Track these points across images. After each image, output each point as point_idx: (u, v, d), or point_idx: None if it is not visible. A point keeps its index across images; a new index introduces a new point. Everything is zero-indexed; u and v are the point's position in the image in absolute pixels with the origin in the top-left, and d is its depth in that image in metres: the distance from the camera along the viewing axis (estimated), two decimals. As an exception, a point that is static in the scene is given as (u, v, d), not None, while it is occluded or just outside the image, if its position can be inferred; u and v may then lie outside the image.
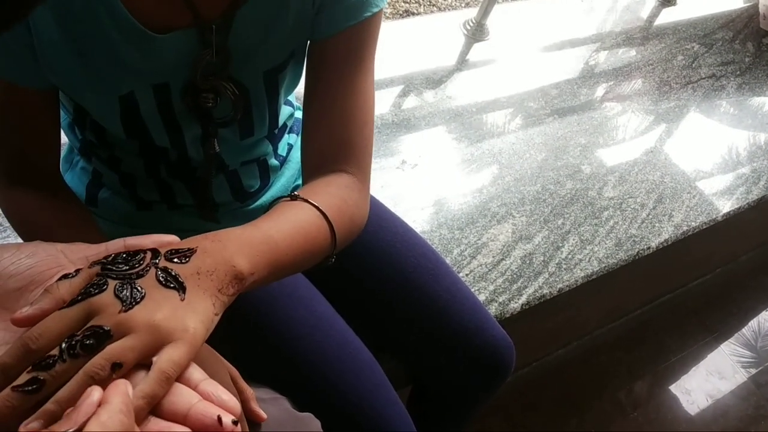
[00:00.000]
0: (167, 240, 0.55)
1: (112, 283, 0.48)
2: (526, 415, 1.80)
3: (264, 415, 0.60)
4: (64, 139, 0.92)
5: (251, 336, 0.86)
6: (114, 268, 0.50)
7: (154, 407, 0.44)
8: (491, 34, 2.01)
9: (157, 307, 0.47)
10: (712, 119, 1.99)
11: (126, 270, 0.50)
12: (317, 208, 0.68)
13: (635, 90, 2.00)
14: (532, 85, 1.92)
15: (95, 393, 0.41)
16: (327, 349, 0.86)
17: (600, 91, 1.97)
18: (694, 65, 2.17)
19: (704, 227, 1.60)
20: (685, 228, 1.57)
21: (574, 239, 1.46)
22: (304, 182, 0.78)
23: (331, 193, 0.72)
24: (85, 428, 0.37)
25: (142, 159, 0.82)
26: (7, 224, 1.18)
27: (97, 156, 0.85)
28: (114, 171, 0.85)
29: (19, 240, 0.74)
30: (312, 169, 0.77)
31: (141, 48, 0.67)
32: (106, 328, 0.46)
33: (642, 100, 1.97)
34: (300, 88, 0.84)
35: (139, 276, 0.49)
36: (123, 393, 0.41)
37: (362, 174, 0.78)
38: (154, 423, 0.43)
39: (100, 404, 0.41)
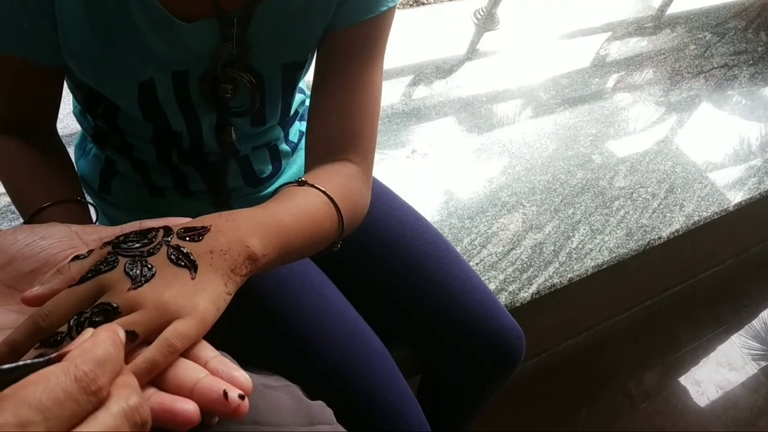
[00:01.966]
0: (184, 222, 0.55)
1: (122, 261, 0.48)
2: (535, 405, 1.80)
3: None
4: (77, 126, 0.92)
5: (262, 323, 0.86)
6: (125, 245, 0.50)
7: (159, 381, 0.43)
8: (502, 24, 2.00)
9: (167, 285, 0.47)
10: (724, 109, 1.98)
11: (137, 248, 0.49)
12: (325, 193, 0.68)
13: (647, 80, 1.99)
14: (543, 74, 1.91)
15: (89, 332, 0.40)
16: (337, 337, 0.86)
17: (611, 80, 1.95)
18: (706, 55, 2.15)
19: (715, 217, 1.59)
20: (696, 218, 1.56)
21: (584, 229, 1.46)
22: (308, 168, 0.78)
23: (337, 180, 0.72)
24: (68, 354, 0.35)
25: (154, 145, 0.83)
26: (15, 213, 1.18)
27: (110, 142, 0.85)
28: (126, 157, 0.85)
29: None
30: (317, 156, 0.77)
31: (165, 35, 0.68)
32: (114, 304, 0.45)
33: (653, 90, 1.96)
34: (309, 75, 0.84)
35: (150, 254, 0.49)
36: (111, 329, 0.39)
37: (366, 165, 0.78)
38: (157, 396, 0.42)
39: None
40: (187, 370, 0.44)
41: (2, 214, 1.20)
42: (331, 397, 0.73)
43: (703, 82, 2.04)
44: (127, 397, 0.35)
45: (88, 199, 0.77)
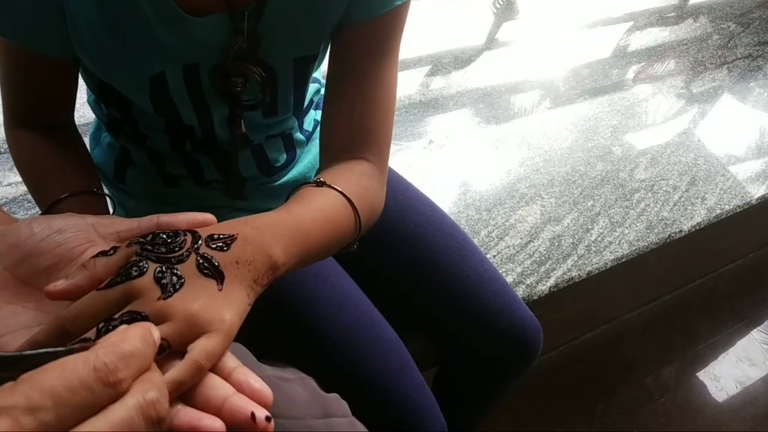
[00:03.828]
0: (202, 218, 0.54)
1: (152, 267, 0.47)
2: (551, 398, 1.79)
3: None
4: (91, 116, 0.92)
5: (277, 315, 0.86)
6: (153, 249, 0.49)
7: (187, 399, 0.43)
8: (521, 13, 1.98)
9: (196, 297, 0.47)
10: (747, 101, 1.95)
11: (166, 253, 0.49)
12: (344, 195, 0.67)
13: (669, 70, 1.96)
14: (563, 65, 1.89)
15: (122, 328, 0.39)
16: (353, 329, 0.86)
17: (632, 71, 1.93)
18: (729, 45, 2.12)
19: (738, 211, 1.57)
20: (718, 211, 1.53)
21: (604, 221, 1.44)
22: (323, 166, 0.78)
23: (353, 180, 0.71)
24: (97, 346, 0.35)
25: (168, 135, 0.82)
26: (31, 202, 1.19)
27: (124, 132, 0.85)
28: (140, 147, 0.85)
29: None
30: (332, 154, 0.77)
31: (176, 30, 0.68)
32: (143, 314, 0.45)
33: (675, 81, 1.93)
34: (325, 64, 0.83)
35: (179, 261, 0.49)
36: (144, 327, 0.38)
37: (381, 163, 0.78)
38: (185, 413, 0.42)
39: None
40: (214, 389, 0.44)
41: (19, 203, 1.21)
42: (346, 390, 0.73)
43: (727, 72, 2.00)
44: (145, 391, 0.34)
45: (105, 190, 0.77)
